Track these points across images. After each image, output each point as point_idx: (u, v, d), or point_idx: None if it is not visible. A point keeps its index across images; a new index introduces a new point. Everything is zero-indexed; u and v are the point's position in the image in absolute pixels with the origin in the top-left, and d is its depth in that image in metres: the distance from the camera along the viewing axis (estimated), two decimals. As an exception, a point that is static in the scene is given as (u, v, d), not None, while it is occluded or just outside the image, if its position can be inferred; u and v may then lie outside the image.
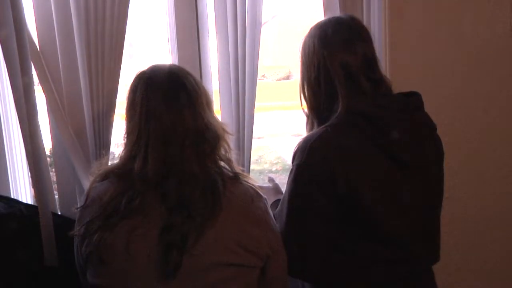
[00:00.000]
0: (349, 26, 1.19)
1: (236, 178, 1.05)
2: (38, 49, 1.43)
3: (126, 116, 1.06)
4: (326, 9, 1.62)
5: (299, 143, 1.16)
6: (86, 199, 1.05)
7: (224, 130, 1.07)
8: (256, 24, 1.58)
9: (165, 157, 0.99)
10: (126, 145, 1.05)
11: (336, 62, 1.15)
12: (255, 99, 1.62)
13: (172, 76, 1.06)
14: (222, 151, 1.06)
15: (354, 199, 1.11)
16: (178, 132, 1.00)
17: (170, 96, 1.02)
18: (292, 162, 1.16)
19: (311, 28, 1.23)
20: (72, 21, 1.40)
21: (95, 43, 1.40)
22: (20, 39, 1.34)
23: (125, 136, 1.06)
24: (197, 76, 1.11)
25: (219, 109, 1.63)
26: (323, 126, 1.16)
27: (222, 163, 1.06)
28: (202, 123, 1.03)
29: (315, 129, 1.19)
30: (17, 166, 1.63)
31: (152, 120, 1.01)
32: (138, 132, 1.01)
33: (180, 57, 1.65)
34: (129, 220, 0.97)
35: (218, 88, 1.64)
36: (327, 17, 1.27)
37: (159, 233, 0.95)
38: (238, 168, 1.09)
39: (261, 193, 1.09)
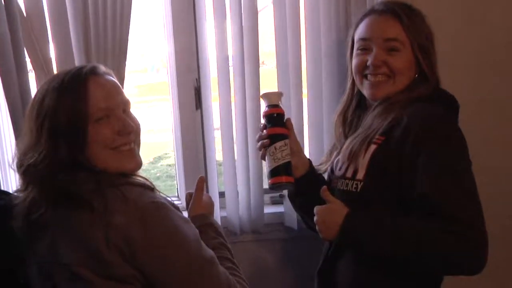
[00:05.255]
0: None
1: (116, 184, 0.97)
2: (36, 46, 1.40)
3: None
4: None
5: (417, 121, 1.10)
6: None
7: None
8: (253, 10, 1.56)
9: None
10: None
11: None
12: (259, 87, 1.60)
13: None
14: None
15: None
16: None
17: None
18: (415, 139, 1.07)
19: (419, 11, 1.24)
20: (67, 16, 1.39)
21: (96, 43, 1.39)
22: (15, 36, 1.32)
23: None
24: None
25: (217, 97, 1.61)
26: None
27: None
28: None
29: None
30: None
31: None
32: None
33: (176, 45, 1.62)
34: None
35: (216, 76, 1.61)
36: None
37: None
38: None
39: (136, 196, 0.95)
